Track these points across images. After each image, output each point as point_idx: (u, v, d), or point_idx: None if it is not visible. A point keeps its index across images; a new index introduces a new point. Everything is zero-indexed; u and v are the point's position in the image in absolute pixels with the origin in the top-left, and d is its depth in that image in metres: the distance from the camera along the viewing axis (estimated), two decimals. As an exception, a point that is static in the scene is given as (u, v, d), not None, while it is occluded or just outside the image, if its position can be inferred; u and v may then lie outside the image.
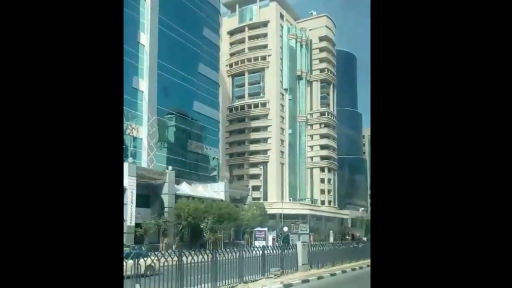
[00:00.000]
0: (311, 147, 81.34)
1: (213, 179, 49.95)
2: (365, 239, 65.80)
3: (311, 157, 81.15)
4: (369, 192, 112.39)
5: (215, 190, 46.30)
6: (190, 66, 48.29)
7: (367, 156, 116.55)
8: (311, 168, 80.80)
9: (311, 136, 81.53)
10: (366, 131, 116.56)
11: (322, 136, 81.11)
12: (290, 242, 32.56)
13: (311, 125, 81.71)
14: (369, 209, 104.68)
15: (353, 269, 20.07)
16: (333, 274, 17.16)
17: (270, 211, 66.03)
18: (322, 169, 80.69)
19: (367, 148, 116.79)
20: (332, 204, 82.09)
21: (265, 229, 30.64)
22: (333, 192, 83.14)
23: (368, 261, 23.37)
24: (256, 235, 29.45)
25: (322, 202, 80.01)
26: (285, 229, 35.32)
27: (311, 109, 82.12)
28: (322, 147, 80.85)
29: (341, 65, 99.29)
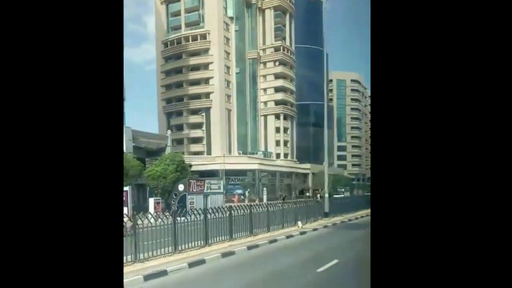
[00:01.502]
0: (264, 89, 68.36)
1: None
2: (318, 196, 56.16)
3: (265, 102, 68.45)
4: (335, 144, 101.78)
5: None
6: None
7: (334, 100, 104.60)
8: (265, 116, 68.40)
9: (264, 76, 68.31)
10: (334, 74, 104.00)
11: (277, 76, 67.98)
12: (188, 206, 21.50)
13: (264, 63, 68.22)
14: (335, 164, 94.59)
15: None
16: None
17: (211, 167, 54.80)
18: (277, 117, 68.45)
19: (334, 95, 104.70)
20: (289, 157, 70.80)
21: (127, 188, 18.64)
22: (291, 144, 71.56)
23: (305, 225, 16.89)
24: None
25: (278, 155, 68.57)
26: (181, 187, 23.48)
27: (263, 43, 68.30)
28: (277, 89, 67.99)
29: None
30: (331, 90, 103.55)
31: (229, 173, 55.20)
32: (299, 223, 17.29)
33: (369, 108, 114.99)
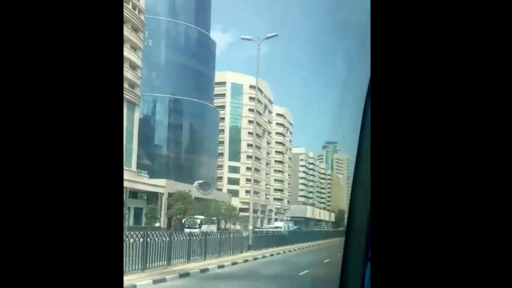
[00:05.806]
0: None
1: None
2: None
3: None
4: (226, 163, 78.51)
5: None
6: None
7: (227, 108, 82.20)
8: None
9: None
10: (229, 75, 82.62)
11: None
12: None
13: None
14: (215, 184, 70.86)
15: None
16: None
17: None
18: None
19: (227, 101, 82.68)
20: (125, 165, 45.39)
21: None
22: (129, 145, 46.44)
23: None
24: None
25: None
26: None
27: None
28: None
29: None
30: (223, 95, 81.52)
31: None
32: None
33: (274, 125, 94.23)
